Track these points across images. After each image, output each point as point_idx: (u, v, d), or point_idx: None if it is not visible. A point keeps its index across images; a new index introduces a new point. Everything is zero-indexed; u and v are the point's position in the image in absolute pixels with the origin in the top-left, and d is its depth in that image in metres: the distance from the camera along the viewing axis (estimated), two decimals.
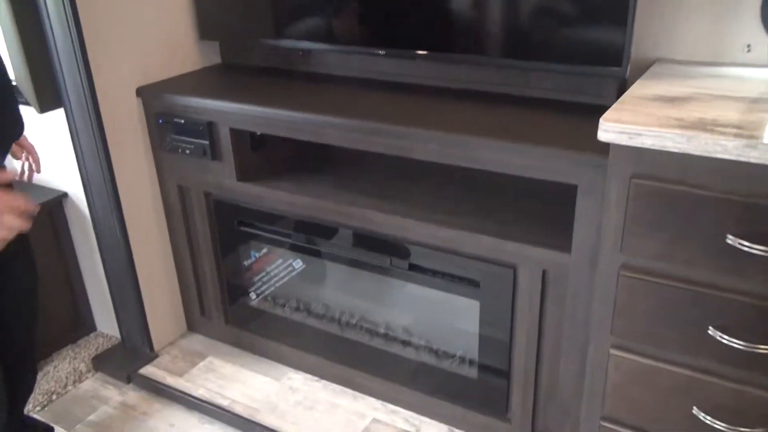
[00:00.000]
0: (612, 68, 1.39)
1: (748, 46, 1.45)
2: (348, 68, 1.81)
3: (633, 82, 1.35)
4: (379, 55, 1.66)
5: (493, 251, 1.44)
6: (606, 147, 1.17)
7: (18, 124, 1.34)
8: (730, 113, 1.13)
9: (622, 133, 1.10)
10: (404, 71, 1.72)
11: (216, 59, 2.02)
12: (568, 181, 1.30)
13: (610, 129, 1.11)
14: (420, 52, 1.62)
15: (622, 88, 1.48)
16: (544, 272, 1.40)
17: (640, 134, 1.09)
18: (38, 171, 1.58)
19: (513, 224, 1.47)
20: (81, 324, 2.15)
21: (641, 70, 1.44)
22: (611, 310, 1.24)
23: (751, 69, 1.42)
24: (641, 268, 1.19)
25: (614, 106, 1.20)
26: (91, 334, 2.17)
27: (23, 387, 1.52)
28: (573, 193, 1.32)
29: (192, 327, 2.12)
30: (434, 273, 1.56)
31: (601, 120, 1.13)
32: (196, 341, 2.08)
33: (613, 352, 1.27)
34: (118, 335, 2.09)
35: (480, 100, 1.59)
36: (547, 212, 1.51)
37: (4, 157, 1.31)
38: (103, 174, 1.77)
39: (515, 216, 1.50)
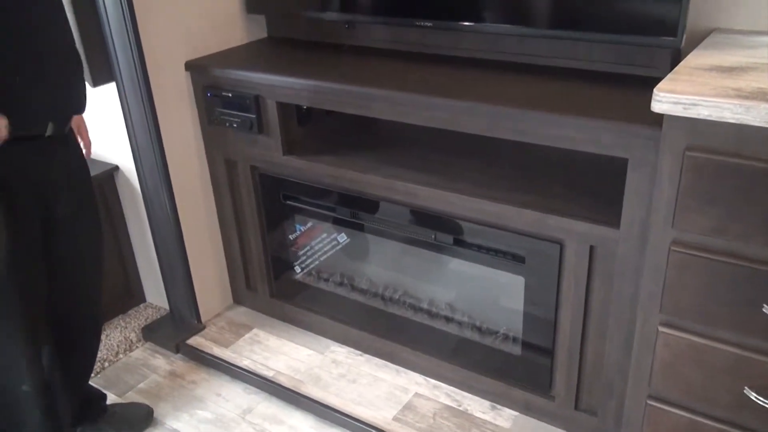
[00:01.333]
0: (666, 38, 1.35)
1: None
2: (393, 41, 1.80)
3: (687, 53, 1.31)
4: (426, 27, 1.64)
5: (539, 226, 1.43)
6: (658, 119, 1.14)
7: (82, 99, 1.38)
8: None
9: (677, 103, 1.07)
10: (450, 44, 1.70)
11: (262, 33, 2.03)
12: (617, 155, 1.27)
13: (664, 99, 1.08)
14: (467, 23, 1.60)
15: (675, 59, 1.43)
16: (591, 248, 1.38)
17: (696, 104, 1.05)
18: (88, 156, 1.60)
19: (559, 199, 1.44)
20: (131, 295, 2.21)
21: (697, 40, 1.39)
22: (661, 286, 1.22)
23: None
24: (693, 243, 1.15)
25: (669, 76, 1.16)
26: (141, 305, 2.23)
27: (89, 353, 1.58)
28: (621, 166, 1.29)
29: (238, 299, 2.16)
30: (479, 248, 1.55)
31: (654, 90, 1.10)
32: (242, 313, 2.12)
33: (662, 329, 1.24)
34: (167, 306, 2.15)
35: (527, 73, 1.56)
36: (594, 187, 1.48)
37: (64, 126, 1.35)
38: (153, 148, 1.80)
39: (562, 191, 1.47)
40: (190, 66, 1.81)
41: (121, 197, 2.08)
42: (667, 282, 1.20)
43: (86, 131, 1.53)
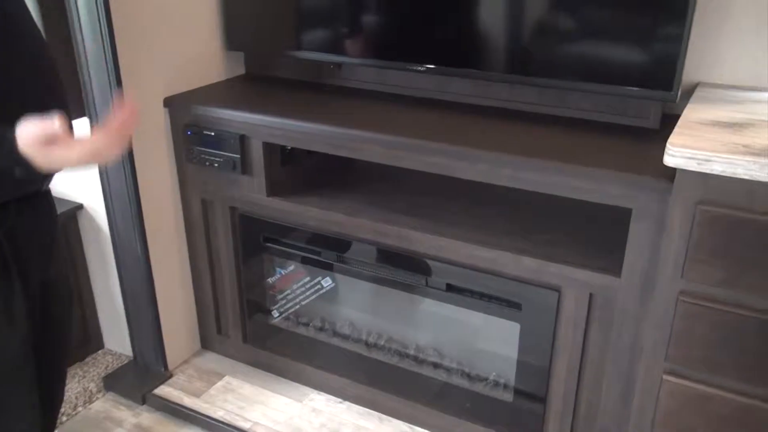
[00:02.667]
0: (662, 92, 1.39)
1: None
2: (381, 83, 1.78)
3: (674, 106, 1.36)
4: (418, 71, 1.64)
5: (537, 273, 1.42)
6: (664, 171, 1.17)
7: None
8: None
9: (691, 158, 1.09)
10: (440, 88, 1.70)
11: (240, 70, 1.98)
12: (621, 205, 1.28)
13: (678, 154, 1.11)
14: (459, 69, 1.61)
15: (665, 112, 1.48)
16: (590, 296, 1.39)
17: (709, 160, 1.08)
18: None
19: (557, 245, 1.45)
20: (89, 341, 2.07)
21: (682, 93, 1.44)
22: (667, 335, 1.23)
23: None
24: (702, 294, 1.17)
25: (675, 131, 1.19)
26: (99, 352, 2.10)
27: (58, 405, 1.46)
28: (620, 214, 1.30)
29: (206, 345, 2.06)
30: (473, 294, 1.54)
31: (668, 144, 1.12)
32: (211, 360, 2.02)
33: (666, 377, 1.26)
34: (129, 353, 2.03)
35: (517, 120, 1.58)
36: (592, 234, 1.49)
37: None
38: (127, 187, 1.71)
39: (558, 237, 1.48)
40: (168, 102, 1.74)
41: (83, 237, 1.96)
42: (674, 331, 1.22)
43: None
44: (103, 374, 1.98)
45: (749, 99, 1.40)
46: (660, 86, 1.39)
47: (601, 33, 1.44)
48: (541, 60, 1.52)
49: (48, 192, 1.21)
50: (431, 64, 1.62)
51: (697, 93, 1.45)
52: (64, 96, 1.18)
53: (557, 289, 1.42)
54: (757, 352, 1.15)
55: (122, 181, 1.72)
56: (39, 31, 1.14)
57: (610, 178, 1.27)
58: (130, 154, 1.68)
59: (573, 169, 1.30)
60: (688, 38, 1.33)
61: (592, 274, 1.37)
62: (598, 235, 1.48)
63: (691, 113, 1.30)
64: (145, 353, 1.98)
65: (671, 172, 1.16)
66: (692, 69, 1.51)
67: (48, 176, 1.16)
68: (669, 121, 1.46)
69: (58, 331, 1.31)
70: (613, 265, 1.35)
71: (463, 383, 1.69)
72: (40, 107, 1.11)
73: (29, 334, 1.14)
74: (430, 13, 1.60)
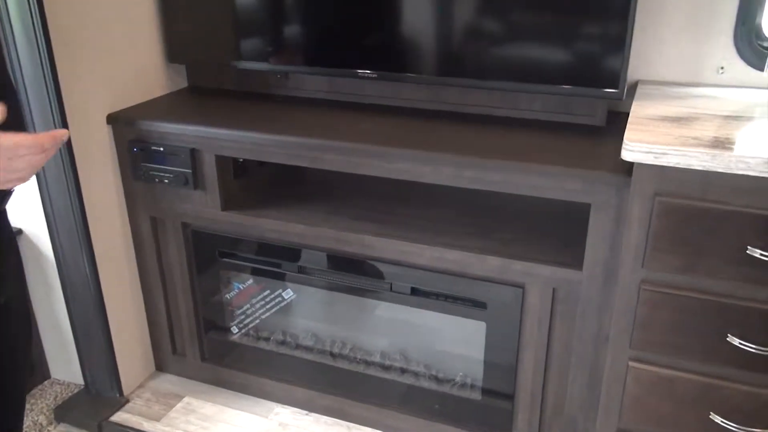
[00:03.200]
0: (609, 90, 1.44)
1: (722, 68, 1.55)
2: (330, 91, 1.78)
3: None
4: (366, 77, 1.64)
5: (502, 272, 1.45)
6: (620, 166, 1.22)
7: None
8: (737, 132, 1.20)
9: (648, 152, 1.14)
10: (392, 94, 1.71)
11: (182, 83, 1.93)
12: (580, 200, 1.33)
13: (635, 149, 1.15)
14: (409, 74, 1.62)
15: (609, 110, 1.54)
16: (554, 290, 1.43)
17: (665, 153, 1.13)
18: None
19: (518, 243, 1.49)
20: (33, 372, 1.97)
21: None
22: (631, 323, 1.28)
23: (726, 89, 1.52)
24: (663, 281, 1.23)
25: (629, 127, 1.24)
26: (46, 383, 2.00)
27: None
28: (576, 210, 1.35)
29: (161, 367, 1.99)
30: (438, 296, 1.55)
31: (625, 140, 1.17)
32: (168, 381, 1.96)
33: (632, 364, 1.31)
34: (79, 381, 1.94)
35: (468, 122, 1.60)
36: (550, 230, 1.54)
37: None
38: (72, 208, 1.64)
39: (520, 235, 1.52)
40: (112, 119, 1.68)
41: (24, 264, 1.86)
42: (637, 319, 1.27)
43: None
44: (52, 405, 1.88)
45: (689, 94, 1.48)
46: (606, 85, 1.44)
47: (545, 34, 1.48)
48: (489, 63, 1.55)
49: (4, 215, 1.14)
50: (378, 71, 1.63)
51: (640, 90, 1.52)
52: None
53: (521, 286, 1.45)
54: (715, 334, 1.21)
55: (66, 202, 1.64)
56: None
57: (568, 175, 1.31)
58: (74, 174, 1.61)
59: (533, 168, 1.33)
60: (631, 37, 1.39)
61: (555, 269, 1.41)
62: (557, 232, 1.53)
63: (640, 110, 1.36)
64: (97, 380, 1.89)
65: (627, 166, 1.21)
66: (632, 68, 1.58)
67: (7, 194, 1.10)
68: (613, 119, 1.53)
69: (11, 356, 1.24)
70: (575, 259, 1.40)
71: (431, 385, 1.70)
72: None
73: None
74: (371, 19, 1.62)
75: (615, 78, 1.43)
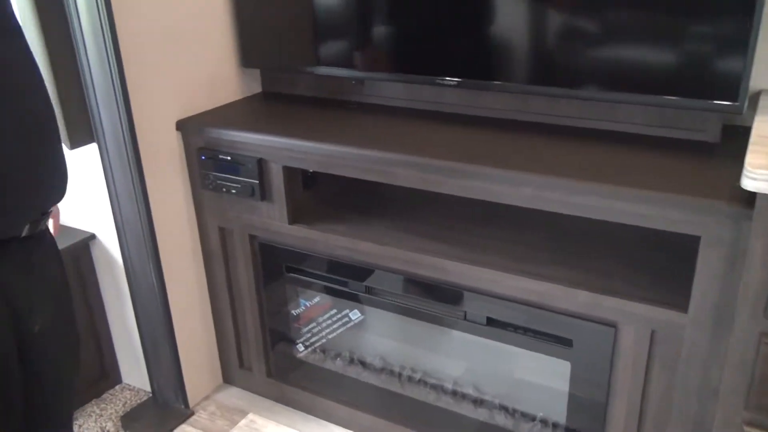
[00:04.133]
0: (726, 103, 1.24)
1: None
2: (408, 99, 1.65)
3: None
4: (447, 84, 1.50)
5: (591, 307, 1.28)
6: (736, 193, 1.03)
7: (64, 182, 1.12)
8: None
9: None
10: (472, 102, 1.57)
11: (256, 88, 1.86)
12: (687, 232, 1.14)
13: (760, 176, 0.96)
14: (494, 82, 1.47)
15: (724, 123, 1.33)
16: (652, 332, 1.24)
17: None
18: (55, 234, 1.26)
19: (612, 276, 1.31)
20: (106, 376, 1.97)
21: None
22: (747, 381, 1.08)
23: None
24: None
25: (751, 149, 1.04)
26: (117, 387, 1.99)
27: None
28: (683, 240, 1.16)
29: (228, 379, 1.94)
30: (517, 329, 1.40)
31: (747, 166, 0.98)
32: (233, 395, 1.90)
33: (748, 429, 1.10)
34: (147, 388, 1.91)
35: (559, 135, 1.43)
36: (651, 262, 1.34)
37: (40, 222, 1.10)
38: (139, 215, 1.60)
39: (614, 266, 1.34)
40: (181, 125, 1.63)
41: (96, 268, 1.85)
42: (756, 377, 1.07)
43: (58, 216, 1.25)
44: (121, 412, 1.87)
45: None
46: (723, 96, 1.24)
47: (649, 36, 1.29)
48: (584, 69, 1.37)
49: (30, 238, 1.07)
50: (460, 77, 1.48)
51: (764, 102, 1.30)
52: (52, 131, 1.06)
53: (613, 325, 1.28)
54: None
55: (134, 208, 1.61)
56: (33, 69, 1.03)
57: (673, 203, 1.12)
58: (142, 182, 1.57)
59: (631, 193, 1.15)
60: (756, 39, 1.18)
61: (654, 309, 1.22)
62: (659, 264, 1.33)
63: (764, 126, 1.15)
64: (164, 389, 1.86)
65: (747, 195, 1.02)
66: (755, 75, 1.36)
67: (23, 223, 1.04)
68: (729, 135, 1.32)
69: (55, 381, 1.19)
70: (679, 299, 1.20)
71: (507, 423, 1.55)
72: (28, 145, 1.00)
73: None
74: (455, 23, 1.47)
75: (734, 87, 1.22)
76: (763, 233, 1.00)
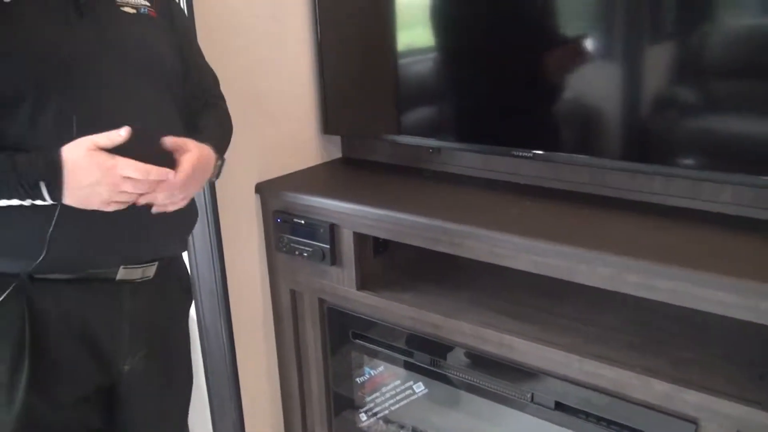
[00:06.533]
0: None
1: None
2: (484, 169, 1.64)
3: None
4: (525, 157, 1.48)
5: (668, 400, 1.18)
6: None
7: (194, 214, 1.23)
8: None
9: None
10: (550, 175, 1.53)
11: (336, 153, 1.91)
12: None
13: None
14: (571, 155, 1.43)
15: None
16: None
17: None
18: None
19: (694, 366, 1.21)
20: None
21: None
22: None
23: None
24: None
25: None
26: None
27: None
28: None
29: None
30: (587, 416, 1.31)
31: None
32: None
33: None
34: None
35: (642, 213, 1.37)
36: (735, 352, 1.24)
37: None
38: (214, 274, 1.64)
39: (697, 355, 1.24)
40: (260, 188, 1.68)
41: None
42: None
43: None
44: None
45: None
46: None
47: (737, 109, 1.22)
48: (667, 146, 1.31)
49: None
50: (539, 150, 1.46)
51: None
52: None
53: (694, 422, 1.17)
54: None
55: (210, 268, 1.65)
56: None
57: (764, 293, 1.04)
58: (218, 239, 1.61)
59: (716, 279, 1.07)
60: None
61: (740, 408, 1.11)
62: (747, 356, 1.22)
63: None
64: None
65: None
66: None
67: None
68: None
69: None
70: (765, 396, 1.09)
71: None
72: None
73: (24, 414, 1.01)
74: (537, 93, 1.46)
75: None
76: None
